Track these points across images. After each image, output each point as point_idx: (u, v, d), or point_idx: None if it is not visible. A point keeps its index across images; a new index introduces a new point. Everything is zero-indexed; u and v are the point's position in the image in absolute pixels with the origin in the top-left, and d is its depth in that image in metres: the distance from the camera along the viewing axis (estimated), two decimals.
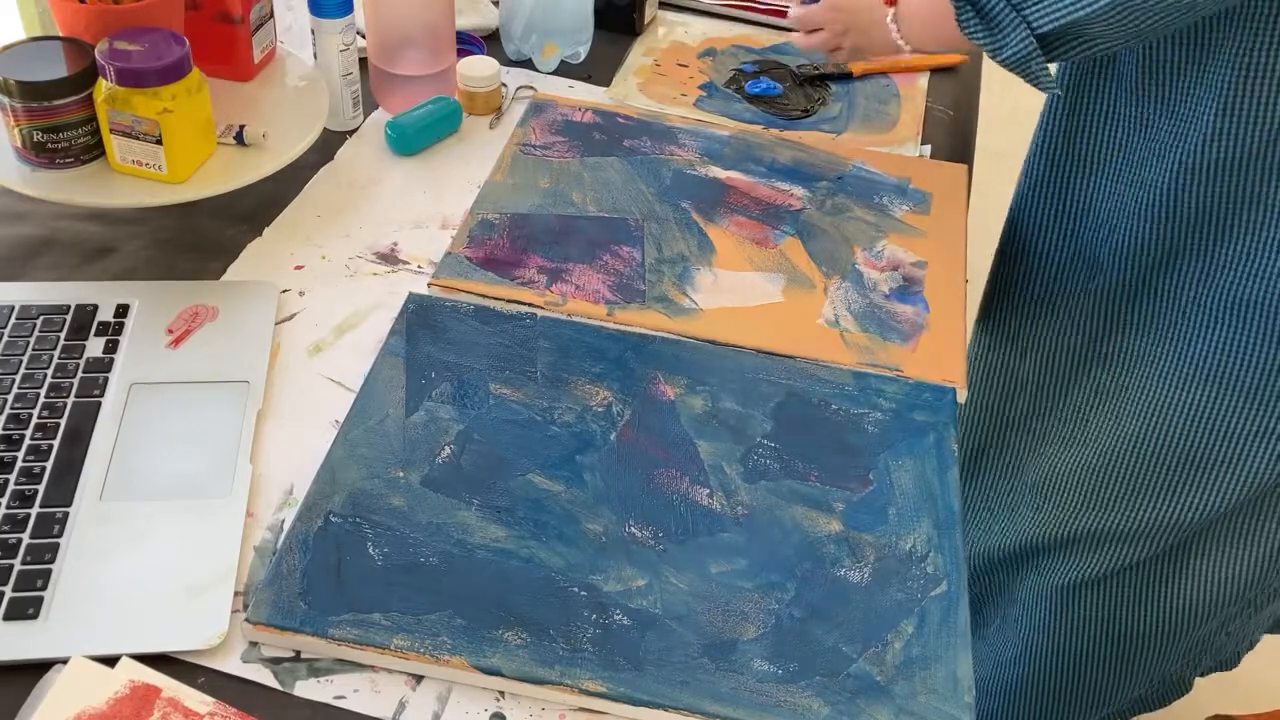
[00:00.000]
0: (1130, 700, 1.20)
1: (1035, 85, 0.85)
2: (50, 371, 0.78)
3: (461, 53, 1.12)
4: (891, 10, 0.96)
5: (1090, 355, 1.03)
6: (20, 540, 0.67)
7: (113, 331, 0.81)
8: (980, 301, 1.13)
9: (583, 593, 0.67)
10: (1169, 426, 0.98)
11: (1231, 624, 1.13)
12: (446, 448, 0.75)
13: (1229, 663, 1.22)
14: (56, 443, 0.73)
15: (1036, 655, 1.17)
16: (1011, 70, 0.84)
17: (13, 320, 0.81)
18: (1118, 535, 1.05)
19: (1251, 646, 1.22)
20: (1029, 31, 0.81)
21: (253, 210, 0.95)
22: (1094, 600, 1.11)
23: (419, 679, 0.64)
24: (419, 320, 0.84)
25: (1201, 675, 1.21)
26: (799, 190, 1.02)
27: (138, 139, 0.85)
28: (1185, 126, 0.87)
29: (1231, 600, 1.08)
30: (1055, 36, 0.81)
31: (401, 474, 0.73)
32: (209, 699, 0.60)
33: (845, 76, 1.21)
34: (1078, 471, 1.06)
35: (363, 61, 1.08)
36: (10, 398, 0.75)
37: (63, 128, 0.86)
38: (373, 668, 0.64)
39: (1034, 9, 0.80)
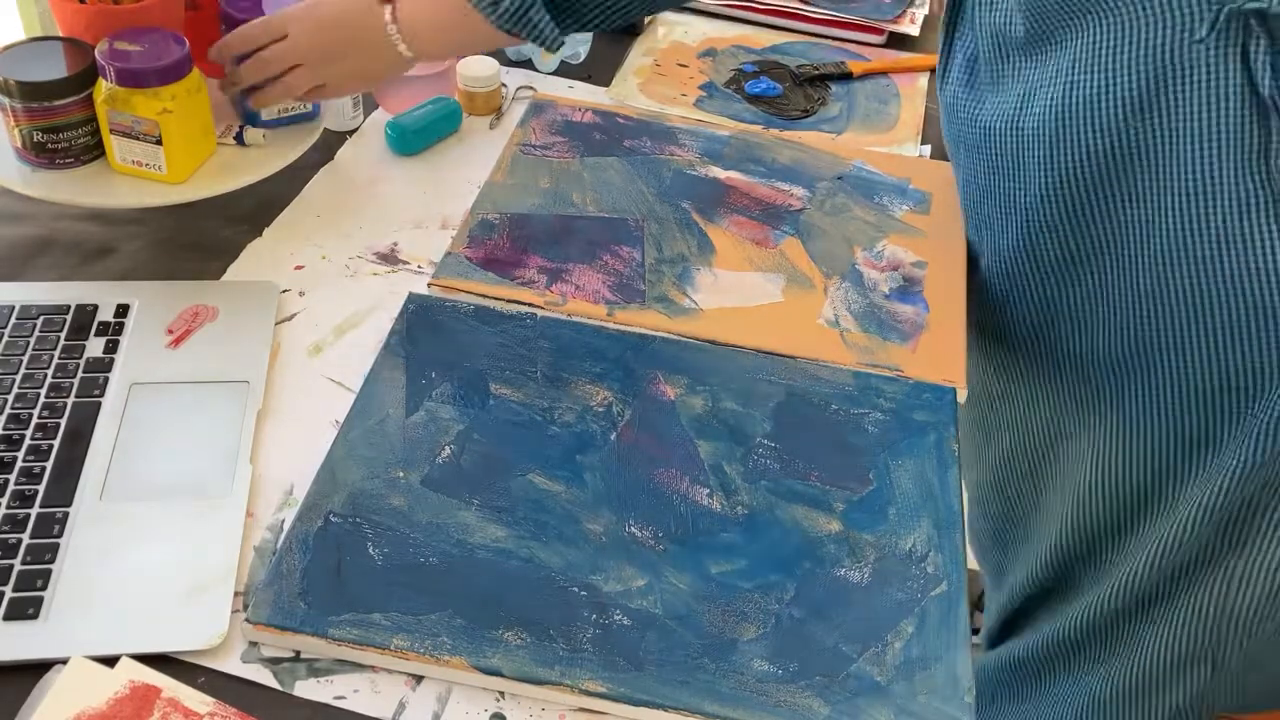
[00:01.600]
0: None
1: (537, 41, 0.86)
2: (50, 371, 0.78)
3: None
4: (386, 15, 0.85)
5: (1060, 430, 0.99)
6: (20, 540, 0.67)
7: (113, 331, 0.81)
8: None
9: (583, 593, 0.67)
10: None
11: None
12: (446, 448, 0.75)
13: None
14: (56, 443, 0.73)
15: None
16: (513, 29, 0.84)
17: (13, 320, 0.81)
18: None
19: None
20: None
21: (253, 210, 0.95)
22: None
23: (419, 679, 0.64)
24: (419, 320, 0.84)
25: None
26: (799, 190, 1.02)
27: (138, 139, 0.85)
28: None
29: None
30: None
31: (401, 474, 0.73)
32: (209, 699, 0.60)
33: (845, 76, 1.21)
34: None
35: None
36: (10, 398, 0.75)
37: (63, 128, 0.86)
38: (373, 668, 0.64)
39: None
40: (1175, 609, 0.93)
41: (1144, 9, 0.75)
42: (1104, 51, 0.78)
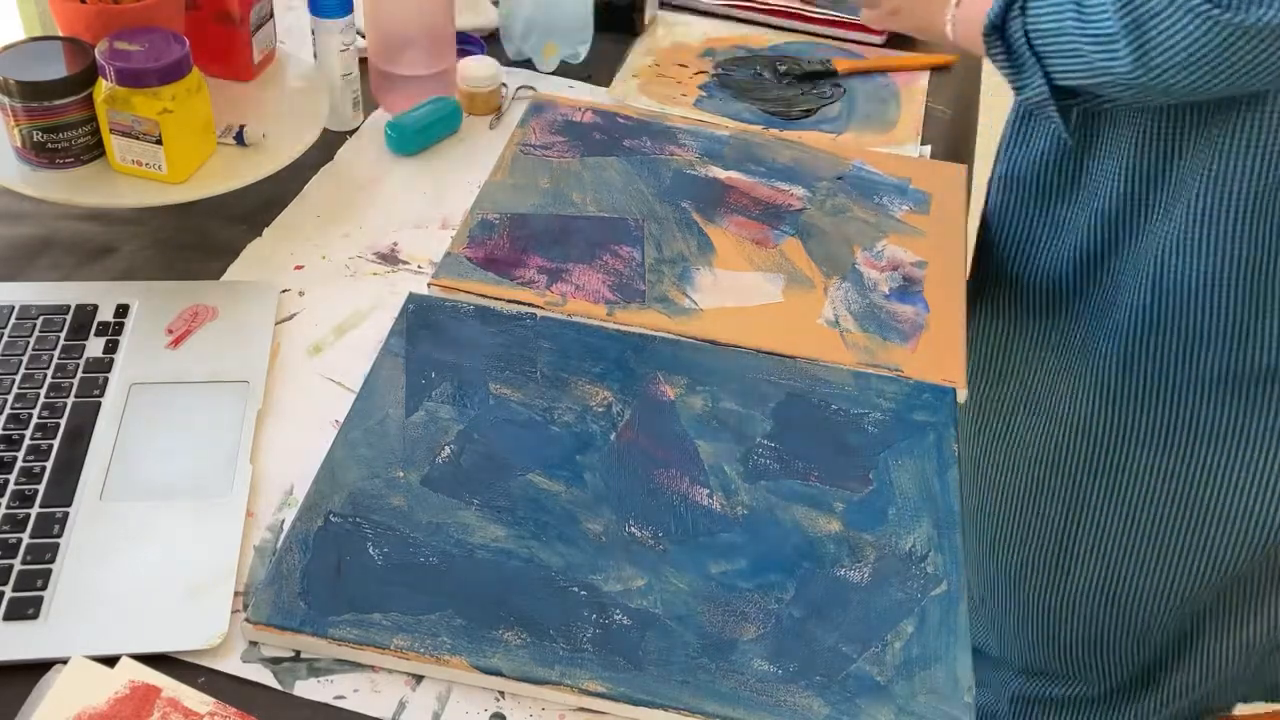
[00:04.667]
0: None
1: (1051, 125, 0.85)
2: (50, 371, 0.78)
3: (461, 53, 1.12)
4: (953, 3, 0.91)
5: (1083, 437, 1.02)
6: (20, 540, 0.67)
7: (113, 331, 0.81)
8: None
9: (583, 593, 0.67)
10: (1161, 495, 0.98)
11: (1264, 661, 1.12)
12: (446, 448, 0.75)
13: (1274, 692, 1.20)
14: (56, 443, 0.73)
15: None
16: (1030, 109, 0.85)
17: (13, 320, 0.81)
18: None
19: None
20: (1045, 81, 0.81)
21: (253, 210, 0.95)
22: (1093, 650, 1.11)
23: (419, 679, 0.64)
24: (419, 320, 0.84)
25: (1243, 701, 1.19)
26: (799, 190, 1.02)
27: (138, 139, 0.85)
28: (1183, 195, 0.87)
29: (1250, 649, 1.07)
30: (1070, 91, 0.81)
31: (401, 474, 0.73)
32: (209, 699, 0.60)
33: (830, 74, 1.21)
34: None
35: (363, 61, 1.08)
36: (10, 398, 0.75)
37: (63, 128, 0.86)
38: (373, 668, 0.64)
39: (1055, 62, 0.80)
40: None
41: None
42: None
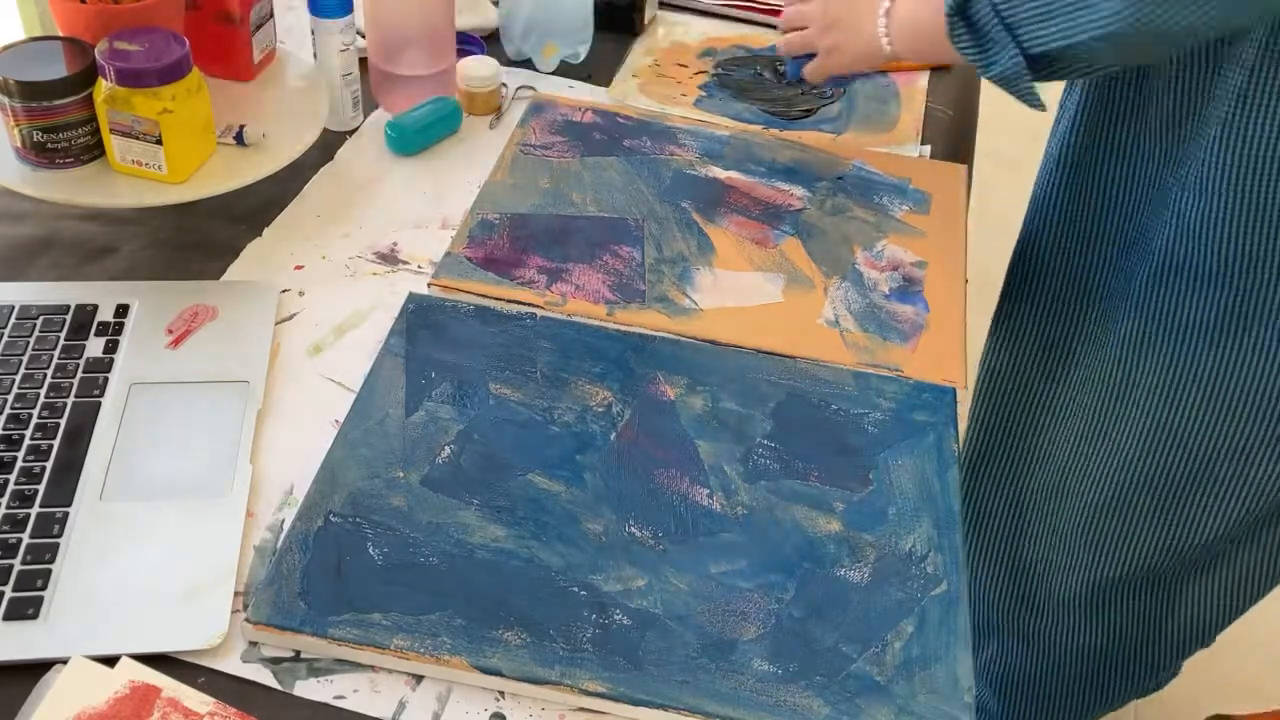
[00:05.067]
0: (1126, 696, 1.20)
1: (1023, 102, 0.85)
2: (50, 371, 0.78)
3: (461, 53, 1.12)
4: (884, 6, 0.91)
5: (1089, 360, 1.02)
6: (20, 540, 0.67)
7: (113, 331, 0.81)
8: (996, 308, 1.12)
9: (583, 593, 0.67)
10: (1172, 445, 0.97)
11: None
12: (446, 448, 0.75)
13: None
14: (56, 443, 0.73)
15: (1037, 654, 1.17)
16: (998, 86, 0.84)
17: (13, 320, 0.81)
18: (1118, 560, 1.05)
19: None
20: (1018, 51, 0.80)
21: (253, 210, 0.95)
22: (1095, 613, 1.11)
23: (419, 679, 0.64)
24: (419, 320, 0.84)
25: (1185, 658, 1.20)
26: (799, 190, 1.02)
27: (138, 139, 0.85)
28: (1203, 131, 0.86)
29: (1234, 614, 1.07)
30: (1045, 58, 0.80)
31: (401, 474, 0.73)
32: (209, 699, 0.60)
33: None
34: (1081, 494, 1.05)
35: (363, 61, 1.08)
36: (10, 398, 0.75)
37: (63, 128, 0.86)
38: (373, 668, 0.64)
39: (1026, 31, 0.79)
40: None
41: None
42: None
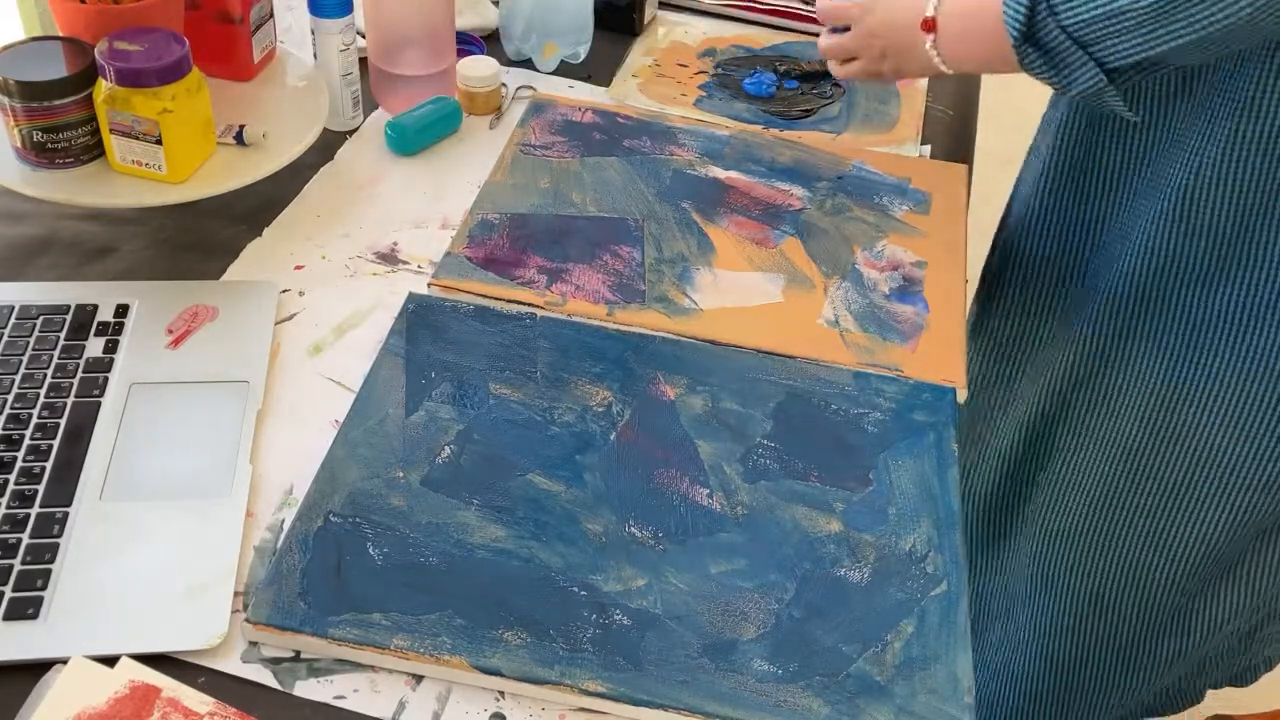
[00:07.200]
0: (1138, 704, 1.19)
1: (1113, 112, 0.84)
2: (50, 371, 0.78)
3: (461, 53, 1.12)
4: (930, 37, 0.88)
5: (1084, 370, 1.01)
6: (20, 540, 0.67)
7: (113, 331, 0.81)
8: (971, 313, 1.12)
9: (583, 593, 0.67)
10: (1161, 451, 0.97)
11: (1245, 639, 1.12)
12: (446, 448, 0.75)
13: (1242, 678, 1.20)
14: (56, 443, 0.73)
15: (1038, 649, 1.17)
16: (1083, 101, 0.83)
17: (13, 320, 0.81)
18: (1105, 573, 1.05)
19: (1270, 666, 1.20)
20: (1098, 69, 0.78)
21: (253, 210, 0.95)
22: (1095, 610, 1.11)
23: (419, 679, 0.64)
24: (419, 320, 0.84)
25: (1214, 688, 1.20)
26: (799, 190, 1.02)
27: (138, 139, 0.85)
28: (1204, 135, 0.86)
29: (1240, 616, 1.07)
30: (1126, 69, 0.79)
31: (401, 474, 0.73)
32: (209, 699, 0.60)
33: (830, 74, 1.20)
34: (1076, 494, 1.05)
35: (363, 61, 1.08)
36: (10, 398, 0.75)
37: (63, 128, 0.86)
38: (373, 668, 0.64)
39: (1103, 48, 0.77)
40: None
41: None
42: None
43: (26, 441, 0.73)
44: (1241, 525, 0.97)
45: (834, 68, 1.00)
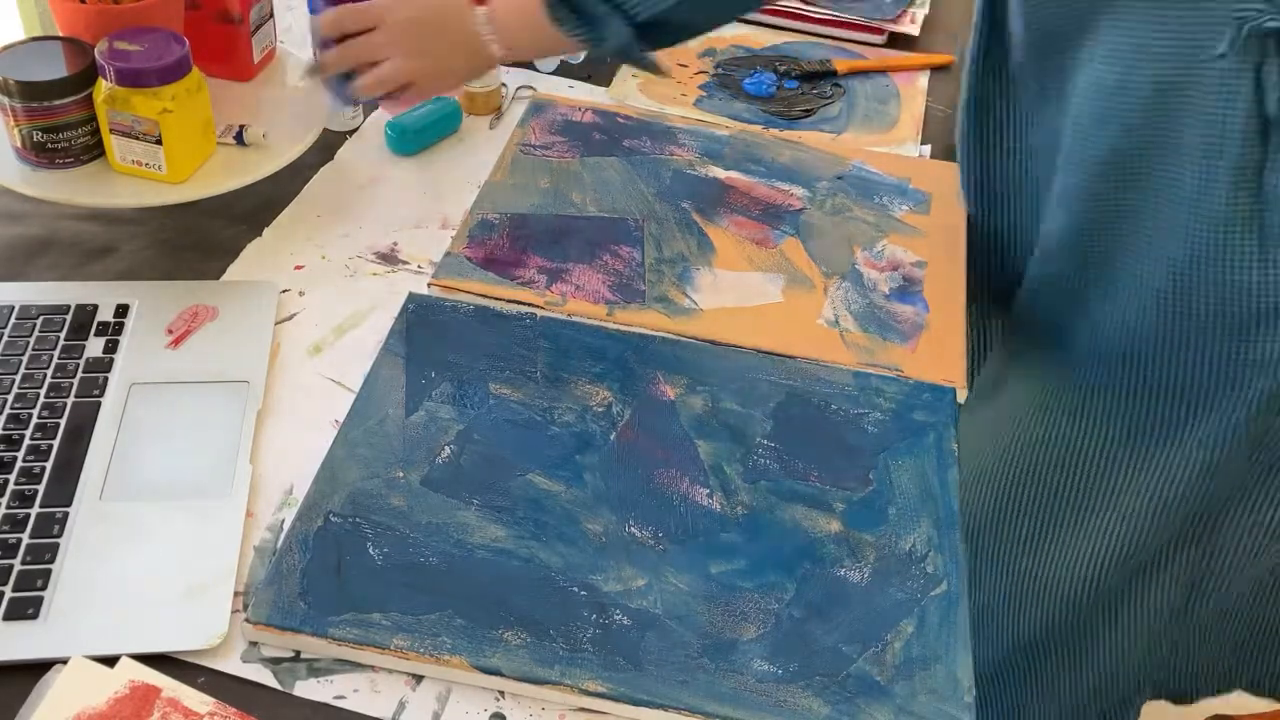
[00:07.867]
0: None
1: (645, 70, 0.92)
2: (50, 371, 0.78)
3: None
4: (483, 11, 0.85)
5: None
6: (20, 540, 0.67)
7: (113, 331, 0.81)
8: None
9: (583, 593, 0.67)
10: (1034, 461, 0.96)
11: (1171, 656, 1.10)
12: (446, 448, 0.75)
13: (1182, 697, 1.18)
14: (56, 443, 0.73)
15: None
16: (616, 59, 0.88)
17: (13, 320, 0.81)
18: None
19: (1218, 691, 1.17)
20: (626, 22, 0.85)
21: (253, 210, 0.95)
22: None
23: (419, 679, 0.64)
24: (419, 320, 0.84)
25: (1152, 699, 1.18)
26: (799, 190, 1.02)
27: (138, 139, 0.85)
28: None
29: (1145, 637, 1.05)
30: (650, 25, 0.85)
31: (401, 474, 0.73)
32: (209, 699, 0.60)
33: (830, 74, 1.21)
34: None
35: None
36: (10, 398, 0.75)
37: (63, 128, 0.86)
38: (373, 668, 0.64)
39: (628, 2, 0.84)
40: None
41: (1164, 20, 0.75)
42: (1126, 53, 0.78)
43: (26, 441, 0.73)
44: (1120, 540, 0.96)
45: (354, 86, 0.89)
